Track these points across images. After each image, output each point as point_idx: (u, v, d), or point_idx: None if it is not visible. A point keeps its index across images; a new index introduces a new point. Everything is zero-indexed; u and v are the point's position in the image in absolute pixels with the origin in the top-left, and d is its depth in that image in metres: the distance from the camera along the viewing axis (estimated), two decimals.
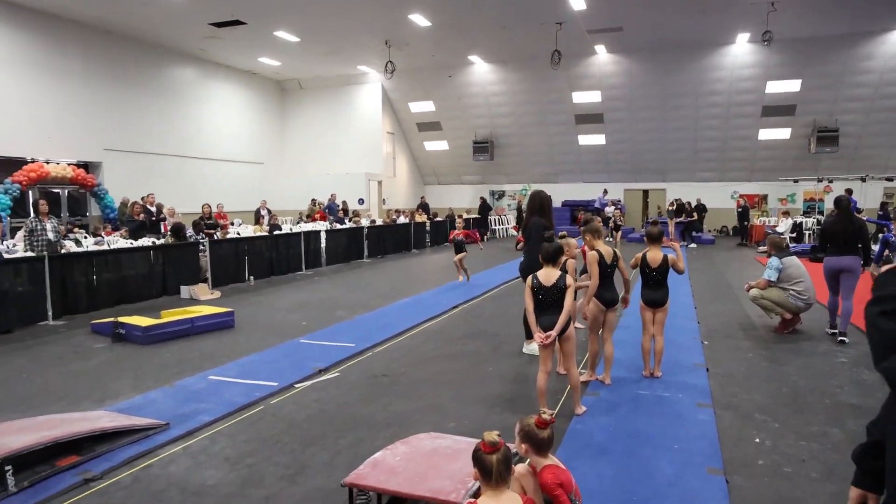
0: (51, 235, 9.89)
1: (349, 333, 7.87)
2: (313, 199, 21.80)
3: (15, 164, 16.36)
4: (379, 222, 20.64)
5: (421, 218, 22.88)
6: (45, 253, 9.32)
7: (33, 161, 16.69)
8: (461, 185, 29.73)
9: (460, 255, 12.47)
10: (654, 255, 5.84)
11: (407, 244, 19.99)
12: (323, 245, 15.59)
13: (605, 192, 25.60)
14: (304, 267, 14.60)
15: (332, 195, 22.26)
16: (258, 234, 14.85)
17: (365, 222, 19.34)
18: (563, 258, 5.50)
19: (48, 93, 17.28)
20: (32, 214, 10.00)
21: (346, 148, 26.85)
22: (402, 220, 21.49)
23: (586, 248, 5.88)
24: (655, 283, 5.85)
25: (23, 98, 16.63)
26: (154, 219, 13.16)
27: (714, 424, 4.73)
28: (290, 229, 16.64)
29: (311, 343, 7.40)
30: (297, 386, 5.78)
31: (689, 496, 3.60)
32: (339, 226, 18.19)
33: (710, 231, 25.04)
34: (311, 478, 3.93)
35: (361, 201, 24.57)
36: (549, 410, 2.95)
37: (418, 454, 3.77)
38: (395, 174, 28.22)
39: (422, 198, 27.78)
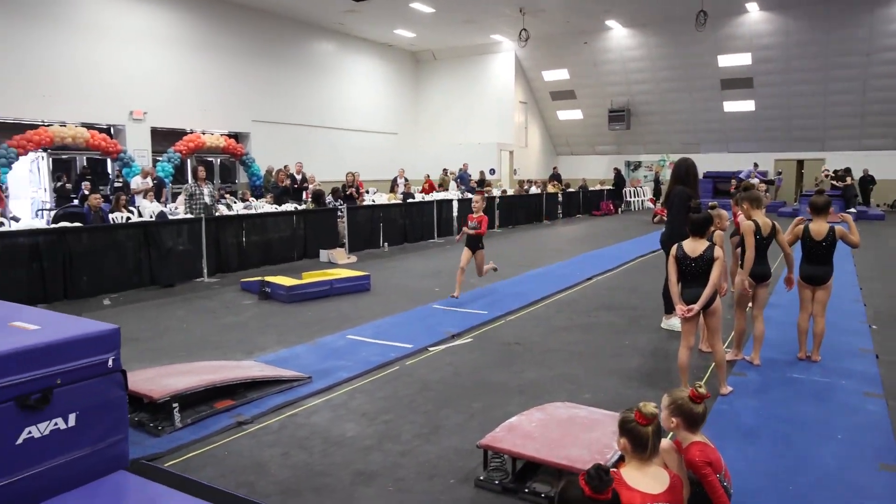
0: (207, 199, 10.70)
1: (481, 301, 7.89)
2: (445, 169, 22.04)
3: (176, 134, 17.87)
4: (510, 192, 20.52)
5: (553, 189, 22.47)
6: (202, 215, 10.10)
7: (191, 132, 18.14)
8: (595, 155, 28.80)
9: (472, 256, 8.12)
10: (819, 228, 5.27)
11: (538, 215, 19.72)
12: (455, 214, 15.74)
13: (756, 165, 23.70)
14: (436, 235, 14.83)
15: (463, 165, 22.39)
16: (392, 202, 15.25)
17: (496, 192, 19.28)
18: (712, 229, 5.14)
19: (205, 69, 18.64)
20: (192, 180, 10.86)
21: (478, 118, 26.82)
22: (533, 190, 21.20)
23: (742, 217, 5.44)
24: (818, 259, 5.29)
25: (184, 75, 18.06)
26: (297, 186, 13.87)
27: (887, 417, 4.23)
28: (423, 198, 16.93)
29: (444, 309, 7.49)
30: (430, 349, 5.87)
31: (858, 492, 3.24)
32: (470, 195, 18.26)
33: (878, 206, 22.52)
34: (445, 437, 3.97)
35: (493, 171, 24.52)
36: (702, 384, 2.74)
37: (554, 422, 3.69)
38: (526, 144, 27.87)
39: (554, 168, 27.26)
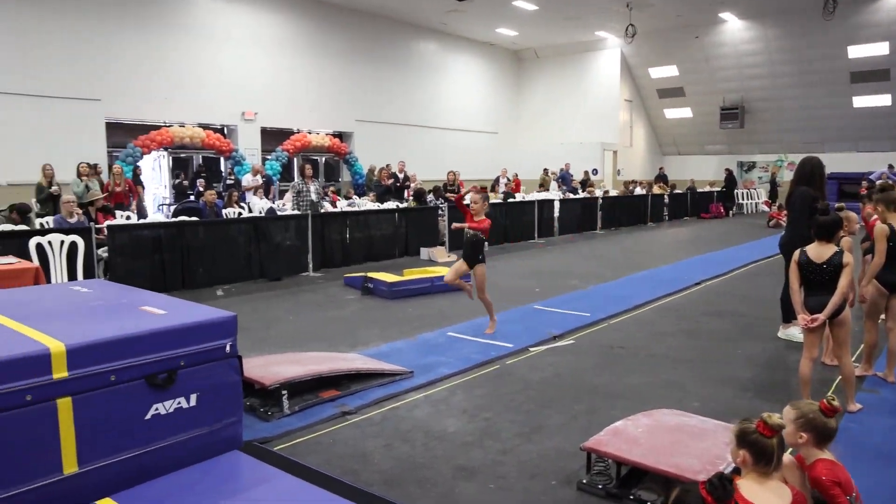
0: (314, 196, 11.10)
1: (583, 303, 7.72)
2: (545, 169, 21.78)
3: (284, 134, 18.70)
4: (613, 193, 19.99)
5: (659, 190, 21.68)
6: (308, 212, 10.49)
7: (298, 132, 18.91)
8: (704, 155, 27.51)
9: (470, 272, 6.34)
10: None
11: (642, 217, 19.09)
12: (556, 214, 15.53)
13: (891, 167, 21.73)
14: (536, 235, 14.68)
15: (565, 165, 22.04)
16: (493, 201, 15.22)
17: (598, 193, 18.85)
18: (841, 233, 4.75)
19: (312, 71, 19.37)
20: (299, 178, 11.28)
21: (581, 117, 26.30)
22: (638, 191, 20.55)
23: (878, 220, 4.99)
24: None
25: (292, 77, 18.85)
26: (399, 184, 14.14)
27: None
28: (523, 197, 16.81)
29: (545, 309, 7.39)
30: (531, 349, 5.80)
31: None
32: (571, 196, 17.96)
33: None
34: (546, 438, 3.90)
35: (595, 171, 23.98)
36: (835, 397, 2.53)
37: (661, 428, 3.53)
38: (631, 144, 27.05)
39: (660, 168, 26.26)
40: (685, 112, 26.69)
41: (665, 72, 25.58)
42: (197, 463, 3.14)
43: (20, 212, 8.80)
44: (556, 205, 15.68)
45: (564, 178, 20.86)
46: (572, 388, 4.81)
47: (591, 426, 3.92)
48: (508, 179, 18.69)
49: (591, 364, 5.40)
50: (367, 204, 13.68)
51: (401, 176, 14.24)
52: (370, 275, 8.65)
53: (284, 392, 4.21)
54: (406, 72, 22.45)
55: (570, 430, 4.00)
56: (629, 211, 18.59)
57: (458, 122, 24.52)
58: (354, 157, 19.96)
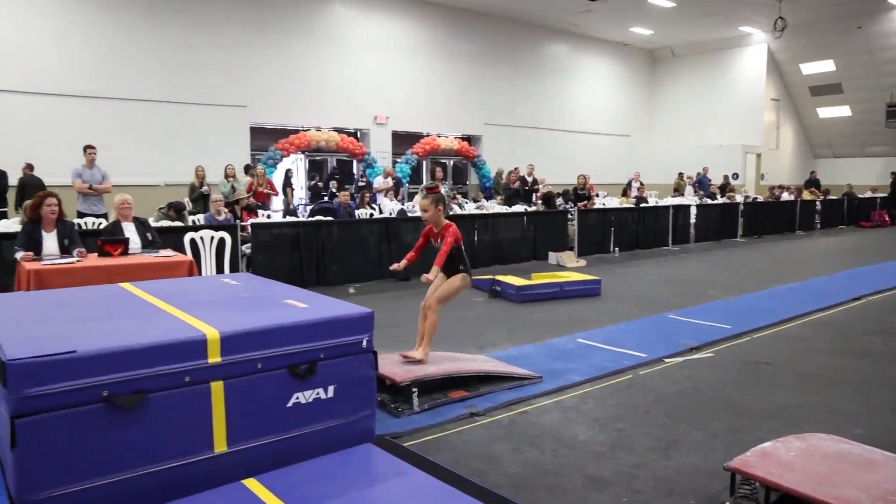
0: None
1: (723, 314, 7.24)
2: (680, 173, 20.76)
3: (413, 137, 19.19)
4: (757, 199, 18.68)
5: (810, 195, 19.99)
6: None
7: (427, 135, 19.33)
8: (865, 157, 25.00)
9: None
10: None
11: (790, 224, 17.67)
12: (692, 220, 14.76)
13: None
14: (670, 242, 14.02)
15: (703, 169, 20.89)
16: (624, 206, 14.74)
17: (739, 198, 17.69)
18: None
19: (442, 75, 19.71)
20: (429, 181, 11.53)
21: (720, 118, 24.81)
22: (785, 196, 19.07)
23: None
24: None
25: (422, 81, 19.28)
26: (528, 188, 14.05)
27: None
28: (656, 202, 16.13)
29: (681, 319, 7.01)
30: (666, 360, 5.51)
31: None
32: (709, 201, 16.99)
33: None
34: (683, 454, 3.67)
35: (736, 176, 22.54)
36: None
37: (818, 454, 3.21)
38: (777, 146, 25.17)
39: (811, 173, 24.20)
40: (843, 110, 24.41)
41: (819, 67, 23.53)
42: (332, 452, 3.25)
43: (176, 209, 9.64)
44: (693, 210, 14.89)
45: (701, 183, 19.77)
46: (711, 403, 4.50)
47: (733, 446, 3.64)
48: (641, 183, 17.98)
49: (733, 379, 5.03)
50: (494, 207, 13.70)
51: (529, 179, 14.14)
52: (498, 277, 8.64)
53: (415, 389, 4.27)
54: (536, 74, 22.29)
55: (709, 448, 3.74)
56: (775, 218, 17.27)
57: (588, 124, 24.00)
58: (482, 160, 20.09)
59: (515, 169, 15.72)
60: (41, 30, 13.18)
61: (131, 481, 2.71)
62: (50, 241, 6.28)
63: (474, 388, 4.61)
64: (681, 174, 20.67)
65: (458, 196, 16.02)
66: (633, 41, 24.84)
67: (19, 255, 5.95)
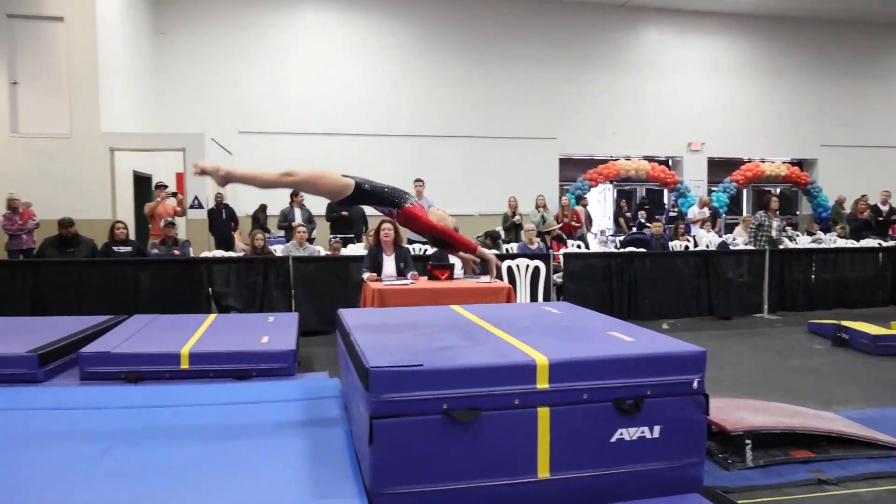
0: (774, 232, 10.14)
1: None
2: None
3: (732, 164, 17.72)
4: None
5: None
6: (765, 247, 9.60)
7: (749, 161, 17.69)
8: None
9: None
10: None
11: None
12: None
13: None
14: None
15: None
16: None
17: None
18: None
19: (767, 94, 17.96)
20: (762, 211, 10.43)
21: None
22: None
23: None
24: None
25: (743, 102, 17.82)
26: (881, 218, 11.89)
27: None
28: None
29: None
30: None
31: None
32: None
33: None
34: None
35: None
36: None
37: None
38: None
39: None
40: None
41: None
42: (654, 497, 3.04)
43: (492, 238, 10.26)
44: None
45: None
46: None
47: None
48: None
49: None
50: (837, 241, 11.88)
51: (884, 208, 11.93)
52: (844, 323, 7.39)
53: (748, 441, 3.80)
54: (887, 84, 18.89)
55: None
56: None
57: None
58: (818, 186, 17.70)
59: (864, 196, 13.45)
60: (381, 82, 15.73)
61: (463, 492, 2.86)
62: (389, 264, 7.19)
63: (823, 450, 3.93)
64: None
65: (789, 228, 14.26)
66: None
67: (366, 275, 6.93)
